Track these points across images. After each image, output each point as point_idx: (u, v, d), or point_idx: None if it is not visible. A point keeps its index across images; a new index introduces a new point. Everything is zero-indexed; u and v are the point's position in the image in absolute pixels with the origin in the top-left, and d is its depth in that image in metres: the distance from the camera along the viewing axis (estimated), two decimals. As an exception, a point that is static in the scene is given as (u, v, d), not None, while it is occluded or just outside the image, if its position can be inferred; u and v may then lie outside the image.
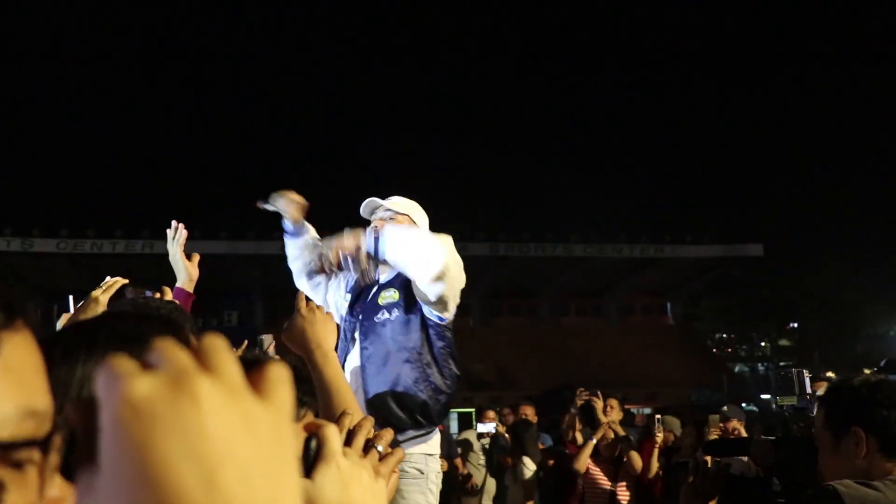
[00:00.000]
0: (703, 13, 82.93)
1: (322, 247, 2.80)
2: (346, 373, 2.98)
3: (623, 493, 6.04)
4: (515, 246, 30.39)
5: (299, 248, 3.44)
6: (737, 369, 39.10)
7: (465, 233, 29.63)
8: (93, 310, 2.44)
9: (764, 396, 27.62)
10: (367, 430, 1.01)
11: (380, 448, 1.00)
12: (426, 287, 2.87)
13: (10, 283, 27.59)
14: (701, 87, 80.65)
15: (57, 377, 0.77)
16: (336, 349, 1.97)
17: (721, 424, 5.46)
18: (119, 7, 76.67)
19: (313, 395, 1.73)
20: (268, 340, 3.63)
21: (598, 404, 6.23)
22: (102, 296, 2.55)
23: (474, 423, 8.51)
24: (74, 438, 0.39)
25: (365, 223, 3.35)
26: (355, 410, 1.51)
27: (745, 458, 2.44)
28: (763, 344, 42.90)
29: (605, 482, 6.08)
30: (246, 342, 3.30)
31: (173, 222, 3.09)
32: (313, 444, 0.83)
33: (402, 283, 3.05)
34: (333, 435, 0.85)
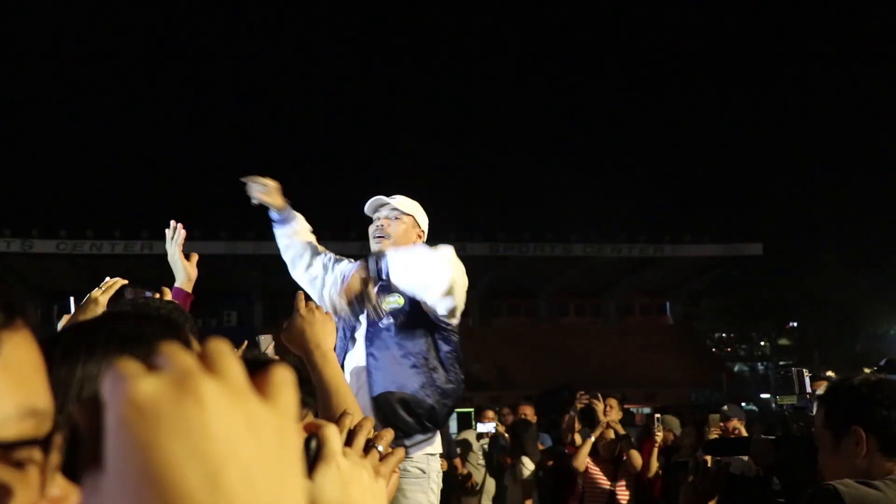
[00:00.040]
0: (703, 13, 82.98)
1: (334, 297, 2.80)
2: (345, 372, 2.98)
3: (623, 493, 6.05)
4: (515, 246, 30.41)
5: (288, 237, 3.42)
6: (736, 369, 39.12)
7: (465, 233, 29.66)
8: (92, 310, 2.45)
9: (764, 396, 27.64)
10: (368, 430, 1.01)
11: (380, 448, 1.00)
12: (435, 304, 2.88)
13: (9, 283, 27.59)
14: (701, 87, 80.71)
15: (57, 377, 0.77)
16: (335, 348, 1.97)
17: (721, 424, 5.46)
18: (119, 7, 76.68)
19: (314, 395, 1.73)
20: (266, 341, 3.63)
21: (599, 407, 6.24)
22: (102, 296, 2.55)
23: (473, 423, 8.51)
24: (79, 439, 0.39)
25: (367, 221, 3.35)
26: (355, 410, 1.51)
27: (746, 458, 2.44)
28: (763, 343, 42.90)
29: (605, 482, 6.08)
30: (246, 343, 3.30)
31: (172, 222, 3.09)
32: (313, 444, 0.83)
33: None
34: (333, 435, 0.85)
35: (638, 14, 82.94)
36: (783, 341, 42.03)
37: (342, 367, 2.97)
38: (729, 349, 43.80)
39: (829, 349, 36.04)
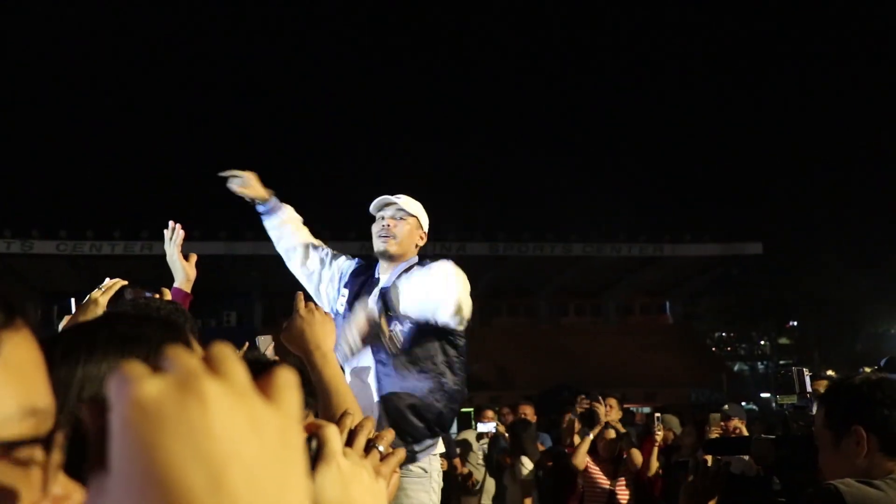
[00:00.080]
0: (703, 13, 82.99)
1: (345, 337, 2.79)
2: (346, 373, 2.98)
3: (622, 493, 6.05)
4: (514, 245, 30.41)
5: (277, 228, 3.41)
6: (736, 368, 39.12)
7: (465, 233, 29.67)
8: (92, 311, 2.45)
9: (764, 395, 27.65)
10: (368, 430, 1.01)
11: (381, 448, 1.00)
12: (446, 322, 2.88)
13: (9, 284, 27.59)
14: (701, 87, 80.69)
15: (57, 378, 0.77)
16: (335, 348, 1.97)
17: (722, 423, 5.46)
18: (119, 7, 76.70)
19: (314, 396, 1.73)
20: (266, 342, 3.62)
21: (601, 410, 6.25)
22: (102, 297, 2.55)
23: (473, 423, 8.50)
24: (83, 439, 0.40)
25: (367, 220, 3.34)
26: (356, 411, 1.51)
27: (746, 457, 2.44)
28: (763, 343, 42.89)
29: (605, 481, 6.08)
30: (248, 344, 3.30)
31: (170, 223, 3.10)
32: (313, 444, 0.83)
33: None
34: (334, 435, 0.85)
35: (638, 14, 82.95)
36: (783, 341, 42.02)
37: (342, 367, 2.97)
38: (729, 349, 43.79)
39: (830, 349, 36.04)
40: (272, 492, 0.37)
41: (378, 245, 3.18)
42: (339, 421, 0.99)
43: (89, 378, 0.81)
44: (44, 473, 0.49)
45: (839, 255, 35.70)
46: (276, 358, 3.05)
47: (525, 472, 6.96)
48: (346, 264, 3.35)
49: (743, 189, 60.25)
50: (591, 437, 6.13)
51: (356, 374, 3.03)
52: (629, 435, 6.40)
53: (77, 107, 69.57)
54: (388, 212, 3.20)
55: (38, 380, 0.50)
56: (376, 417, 2.90)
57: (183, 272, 2.99)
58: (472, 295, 2.93)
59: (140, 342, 0.84)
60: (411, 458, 2.94)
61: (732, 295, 37.56)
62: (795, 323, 40.78)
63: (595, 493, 6.09)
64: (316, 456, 0.83)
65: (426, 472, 2.98)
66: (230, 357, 0.41)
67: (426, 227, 3.30)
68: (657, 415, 6.51)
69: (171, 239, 3.08)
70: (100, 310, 2.43)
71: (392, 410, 2.93)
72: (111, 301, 2.51)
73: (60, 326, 2.57)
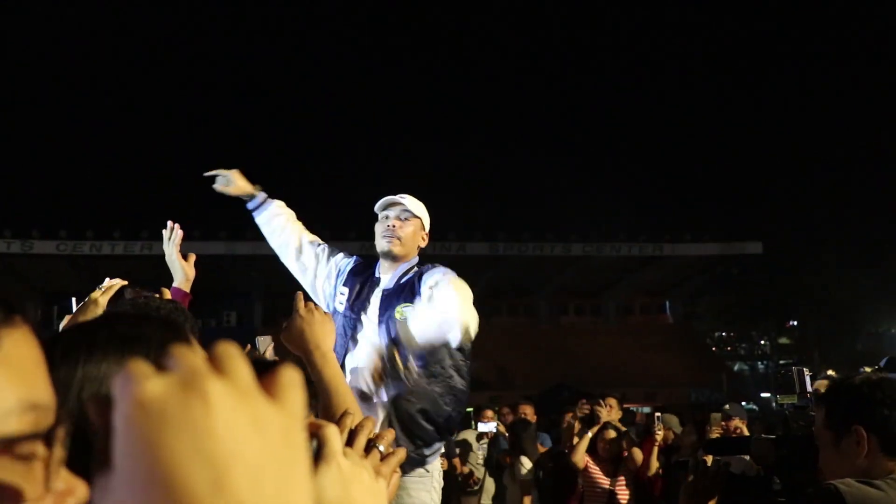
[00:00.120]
0: (703, 13, 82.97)
1: (363, 380, 2.77)
2: (346, 372, 2.98)
3: (622, 493, 6.04)
4: (514, 245, 30.40)
5: (267, 223, 3.39)
6: (736, 368, 39.14)
7: (465, 232, 29.67)
8: (92, 311, 2.45)
9: (764, 395, 27.66)
10: (369, 430, 1.01)
11: (381, 448, 1.00)
12: (454, 344, 2.86)
13: (9, 284, 27.60)
14: (701, 87, 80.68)
15: (57, 378, 0.77)
16: (334, 347, 1.97)
17: (723, 423, 5.46)
18: (119, 7, 76.68)
19: (315, 396, 1.73)
20: (265, 342, 3.62)
21: (602, 412, 6.26)
22: (102, 297, 2.55)
23: (473, 423, 8.50)
24: (86, 437, 0.40)
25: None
26: (356, 410, 1.51)
27: (746, 457, 2.43)
28: (763, 342, 42.90)
29: (604, 481, 6.08)
30: (249, 346, 3.30)
31: (169, 223, 3.09)
32: (314, 444, 0.83)
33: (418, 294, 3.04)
34: (334, 435, 0.85)
35: (638, 14, 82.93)
36: (783, 340, 42.04)
37: (342, 366, 2.97)
38: (729, 348, 43.81)
39: (830, 348, 36.05)
40: (275, 492, 0.37)
41: (382, 245, 3.17)
42: (339, 421, 0.99)
43: (89, 378, 0.81)
44: (46, 468, 0.49)
45: (839, 255, 35.70)
46: (276, 358, 3.05)
47: (524, 471, 6.96)
48: (343, 262, 3.33)
49: (743, 189, 60.31)
50: (590, 434, 6.14)
51: (354, 372, 3.03)
52: (630, 433, 6.39)
53: (77, 107, 69.62)
54: (392, 212, 3.19)
55: (38, 376, 0.50)
56: (379, 418, 2.91)
57: (182, 272, 2.99)
58: (472, 295, 2.92)
59: (140, 342, 0.84)
60: (421, 461, 2.95)
61: (732, 295, 37.56)
62: (795, 323, 40.80)
63: (595, 493, 6.09)
64: (316, 456, 0.83)
65: (428, 471, 2.99)
66: (235, 356, 0.41)
67: (428, 228, 3.29)
68: (657, 414, 6.50)
69: (169, 239, 3.08)
70: (100, 310, 2.43)
71: (403, 415, 2.92)
72: (111, 301, 2.51)
73: (61, 326, 2.57)
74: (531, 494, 7.01)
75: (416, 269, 3.15)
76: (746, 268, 34.03)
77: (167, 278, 2.98)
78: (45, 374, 0.51)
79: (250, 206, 3.42)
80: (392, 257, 3.15)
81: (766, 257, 32.92)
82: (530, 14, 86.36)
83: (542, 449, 7.45)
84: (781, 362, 35.97)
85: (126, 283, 2.66)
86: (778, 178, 60.32)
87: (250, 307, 32.03)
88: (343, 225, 25.49)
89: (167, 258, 3.05)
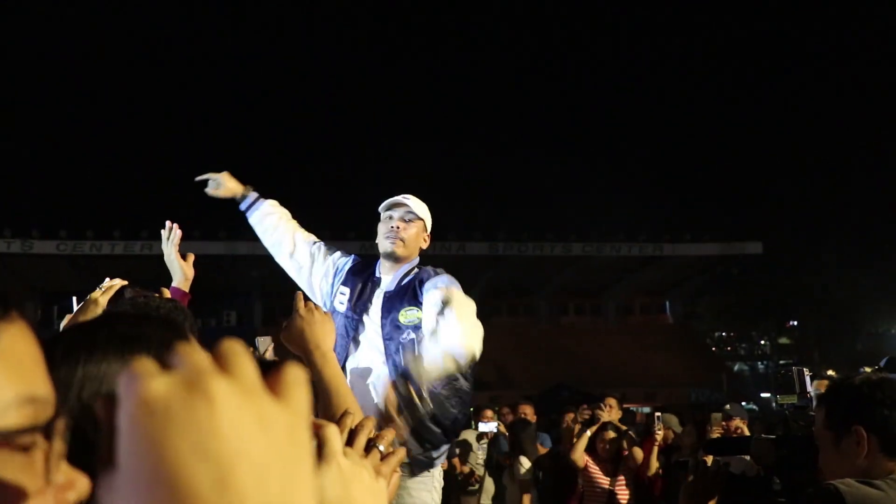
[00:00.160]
0: (703, 13, 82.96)
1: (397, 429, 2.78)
2: (348, 374, 2.98)
3: (622, 493, 6.05)
4: (514, 245, 30.40)
5: (259, 222, 3.39)
6: (736, 368, 39.13)
7: (465, 232, 29.66)
8: (92, 311, 2.45)
9: (764, 395, 27.65)
10: (369, 429, 1.01)
11: (381, 448, 0.99)
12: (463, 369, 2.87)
13: (9, 283, 27.60)
14: (701, 87, 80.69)
15: (57, 378, 0.77)
16: (334, 348, 1.97)
17: (724, 423, 5.46)
18: (119, 7, 76.69)
19: (316, 396, 1.73)
20: (265, 343, 3.61)
21: (604, 416, 6.27)
22: (102, 297, 2.55)
23: (472, 422, 8.50)
24: (92, 436, 0.40)
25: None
26: (356, 410, 1.51)
27: (747, 457, 2.43)
28: (763, 342, 42.91)
29: (604, 481, 6.08)
30: (249, 347, 3.29)
31: (167, 222, 3.10)
32: (314, 444, 0.83)
33: (420, 301, 3.04)
34: (334, 435, 0.85)
35: (638, 14, 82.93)
36: (783, 340, 42.05)
37: (343, 368, 2.96)
38: (729, 348, 43.82)
39: (830, 348, 36.07)
40: (279, 491, 0.37)
41: (385, 246, 3.16)
42: (339, 420, 0.99)
43: (90, 377, 0.81)
44: (46, 462, 0.49)
45: (839, 255, 35.75)
46: (276, 359, 3.05)
47: (523, 471, 6.96)
48: (341, 261, 3.32)
49: (743, 189, 60.37)
50: (589, 433, 6.14)
51: (358, 375, 3.02)
52: (630, 432, 6.39)
53: (77, 107, 69.64)
54: (397, 212, 3.17)
55: (35, 370, 0.50)
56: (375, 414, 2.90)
57: (181, 272, 2.99)
58: (472, 295, 2.92)
59: (140, 341, 0.84)
60: (430, 463, 2.95)
61: (732, 295, 37.58)
62: (795, 323, 40.81)
63: (595, 493, 6.09)
64: (316, 455, 0.83)
65: (429, 472, 2.99)
66: (240, 354, 0.40)
67: (429, 230, 3.29)
68: (657, 414, 6.50)
69: (168, 239, 3.08)
70: (100, 309, 2.43)
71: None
72: (111, 301, 2.51)
73: (62, 325, 2.57)
74: (530, 493, 7.01)
75: (416, 270, 3.15)
76: (746, 268, 34.05)
77: (167, 278, 2.98)
78: (43, 369, 0.51)
79: (242, 206, 3.42)
80: (394, 258, 3.15)
81: (766, 257, 32.95)
82: (530, 14, 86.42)
83: (542, 449, 7.45)
84: (781, 362, 35.95)
85: (126, 283, 2.66)
86: (778, 178, 60.41)
87: (250, 307, 32.04)
88: (343, 225, 25.53)
89: (166, 258, 3.05)
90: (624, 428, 6.38)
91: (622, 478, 6.09)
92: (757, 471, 2.41)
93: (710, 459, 2.48)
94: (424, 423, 2.91)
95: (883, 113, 64.94)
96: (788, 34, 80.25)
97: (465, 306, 2.91)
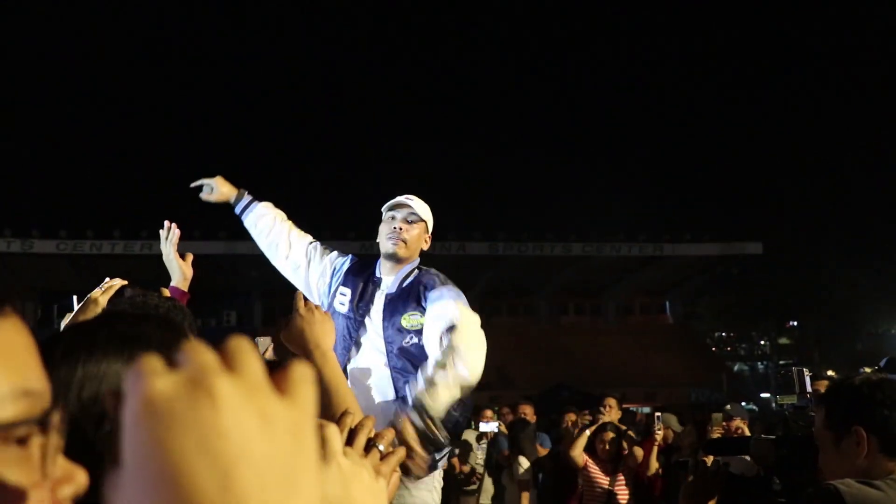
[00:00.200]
0: (703, 13, 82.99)
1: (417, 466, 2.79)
2: (348, 376, 2.98)
3: (622, 493, 6.04)
4: (514, 245, 30.43)
5: (254, 225, 3.39)
6: (736, 368, 39.16)
7: (465, 232, 29.68)
8: (92, 311, 2.44)
9: (764, 395, 27.68)
10: (369, 429, 1.01)
11: (381, 447, 0.99)
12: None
13: (9, 283, 27.62)
14: (701, 87, 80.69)
15: (57, 377, 0.77)
16: (334, 348, 1.97)
17: (724, 423, 5.45)
18: (119, 7, 76.73)
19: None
20: (265, 343, 3.60)
21: (604, 418, 6.28)
22: (102, 297, 2.55)
23: (472, 423, 8.50)
24: (92, 435, 0.41)
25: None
26: (356, 410, 1.51)
27: (747, 458, 2.43)
28: (763, 343, 42.94)
29: (604, 481, 6.08)
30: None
31: (166, 222, 3.10)
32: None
33: (424, 307, 3.04)
34: (334, 434, 0.85)
35: (638, 14, 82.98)
36: (783, 340, 42.09)
37: (344, 369, 2.97)
38: (729, 348, 43.85)
39: (830, 348, 36.11)
40: (283, 490, 0.37)
41: (387, 246, 3.15)
42: (339, 420, 0.99)
43: (89, 377, 0.81)
44: (42, 455, 0.49)
45: (839, 255, 35.76)
46: (276, 359, 3.05)
47: (521, 470, 6.97)
48: (338, 261, 3.31)
49: (743, 189, 60.39)
50: (588, 433, 6.15)
51: (359, 376, 3.02)
52: (629, 432, 6.39)
53: (77, 107, 69.65)
54: (400, 213, 3.16)
55: (29, 363, 0.50)
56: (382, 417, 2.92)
57: (180, 271, 2.99)
58: (472, 294, 2.92)
59: (140, 341, 0.84)
60: (433, 466, 2.95)
61: (732, 295, 37.62)
62: (795, 323, 40.83)
63: (594, 493, 6.09)
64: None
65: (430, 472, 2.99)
66: (246, 351, 0.40)
67: (431, 231, 3.29)
68: (657, 414, 6.50)
69: (166, 238, 3.09)
70: (100, 309, 2.43)
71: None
72: (111, 300, 2.51)
73: (62, 325, 2.57)
74: (529, 491, 7.02)
75: (416, 271, 3.14)
76: (746, 268, 34.08)
77: (167, 278, 2.98)
78: (38, 362, 0.51)
79: (237, 209, 3.42)
80: (396, 259, 3.14)
81: (766, 257, 32.98)
82: (530, 14, 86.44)
83: (541, 450, 7.45)
84: (781, 362, 36.02)
85: (126, 282, 2.66)
86: (778, 178, 60.44)
87: (250, 307, 32.07)
88: (343, 225, 25.54)
89: (164, 258, 3.05)
90: (623, 428, 6.38)
91: (622, 478, 6.09)
92: (757, 471, 2.41)
93: (710, 459, 2.48)
94: (429, 426, 2.92)
95: (883, 113, 65.01)
96: (788, 34, 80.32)
97: (472, 332, 2.92)
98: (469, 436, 7.87)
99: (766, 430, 6.56)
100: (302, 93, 77.88)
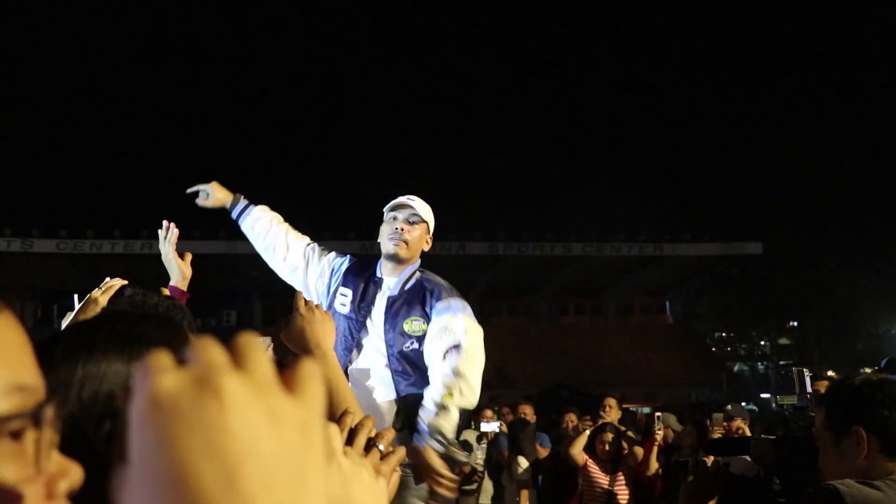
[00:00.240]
0: (703, 13, 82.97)
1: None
2: (349, 377, 2.98)
3: (622, 492, 6.05)
4: (514, 245, 30.43)
5: (251, 229, 3.40)
6: (736, 368, 39.17)
7: (464, 232, 29.67)
8: (92, 310, 2.44)
9: (764, 395, 27.67)
10: (369, 429, 1.01)
11: (381, 447, 0.99)
12: None
13: (10, 283, 27.62)
14: (701, 87, 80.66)
15: (57, 377, 0.77)
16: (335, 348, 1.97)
17: (725, 423, 5.45)
18: (119, 7, 76.73)
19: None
20: (265, 343, 3.60)
21: (605, 417, 6.29)
22: (102, 297, 2.55)
23: (471, 423, 8.50)
24: (91, 435, 0.41)
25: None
26: (356, 410, 1.51)
27: (747, 458, 2.43)
28: (763, 343, 42.95)
29: (604, 481, 6.08)
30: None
31: (164, 222, 3.10)
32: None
33: (428, 314, 3.06)
34: (334, 434, 0.85)
35: (638, 14, 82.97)
36: (783, 341, 42.09)
37: (345, 372, 2.97)
38: (729, 348, 43.85)
39: (830, 349, 36.11)
40: (291, 488, 0.37)
41: (389, 247, 3.15)
42: (339, 420, 0.99)
43: (89, 377, 0.80)
44: (36, 450, 0.49)
45: (839, 255, 35.76)
46: (275, 359, 3.05)
47: (520, 470, 6.97)
48: (336, 261, 3.30)
49: (743, 189, 60.37)
50: (588, 432, 6.15)
51: (360, 376, 3.02)
52: (629, 432, 6.39)
53: (77, 107, 69.61)
54: (402, 214, 3.16)
55: (22, 358, 0.50)
56: (383, 416, 2.93)
57: (179, 271, 2.98)
58: (472, 294, 2.93)
59: (140, 341, 0.84)
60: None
61: (732, 295, 37.61)
62: (795, 323, 40.83)
63: (594, 493, 6.09)
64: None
65: None
66: (255, 348, 0.40)
67: (432, 232, 3.29)
68: (657, 414, 6.50)
69: (165, 238, 3.09)
70: (100, 309, 2.43)
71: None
72: (111, 300, 2.51)
73: (63, 324, 2.57)
74: (528, 489, 7.03)
75: (418, 273, 3.14)
76: (746, 268, 34.08)
77: (167, 277, 2.98)
78: (31, 356, 0.51)
79: (233, 213, 3.44)
80: (397, 260, 3.14)
81: (766, 257, 32.98)
82: (530, 14, 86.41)
83: (541, 450, 7.45)
84: (781, 362, 36.01)
85: (126, 282, 2.66)
86: (778, 178, 60.44)
87: (250, 307, 32.05)
88: (343, 225, 25.52)
89: (163, 257, 3.05)
90: (623, 428, 6.38)
91: (622, 478, 6.09)
92: (757, 471, 2.41)
93: (710, 460, 2.48)
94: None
95: (883, 113, 65.00)
96: (788, 34, 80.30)
97: (478, 356, 2.99)
98: (469, 436, 7.86)
99: (766, 430, 6.56)
100: (302, 93, 77.89)
